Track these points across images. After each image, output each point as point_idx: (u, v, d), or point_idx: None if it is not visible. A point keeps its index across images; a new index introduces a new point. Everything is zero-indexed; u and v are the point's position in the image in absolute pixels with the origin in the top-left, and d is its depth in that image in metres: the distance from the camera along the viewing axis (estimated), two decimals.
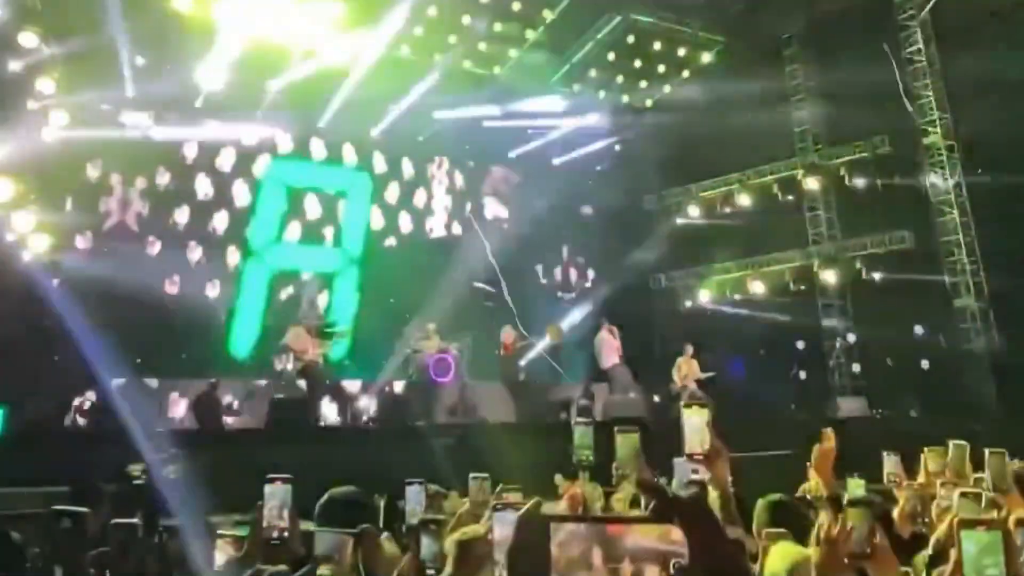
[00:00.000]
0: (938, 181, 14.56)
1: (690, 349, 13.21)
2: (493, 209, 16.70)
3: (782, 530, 2.57)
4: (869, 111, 14.26)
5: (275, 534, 2.07)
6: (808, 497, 4.05)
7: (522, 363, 13.99)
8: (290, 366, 10.40)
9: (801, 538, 2.56)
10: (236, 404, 11.47)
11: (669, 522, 0.62)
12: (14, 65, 10.45)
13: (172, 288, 12.61)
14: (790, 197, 16.11)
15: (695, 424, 2.37)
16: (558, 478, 6.23)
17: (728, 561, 0.61)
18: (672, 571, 0.61)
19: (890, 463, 4.18)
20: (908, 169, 14.50)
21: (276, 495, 2.12)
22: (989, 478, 3.02)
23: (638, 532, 0.62)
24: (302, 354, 10.19)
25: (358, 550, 1.93)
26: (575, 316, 15.86)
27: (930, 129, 14.66)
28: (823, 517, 2.93)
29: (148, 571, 2.18)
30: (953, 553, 1.66)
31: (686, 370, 12.98)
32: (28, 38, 10.23)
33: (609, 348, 12.61)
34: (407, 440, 8.51)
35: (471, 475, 3.98)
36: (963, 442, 3.44)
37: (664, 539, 0.61)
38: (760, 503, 3.10)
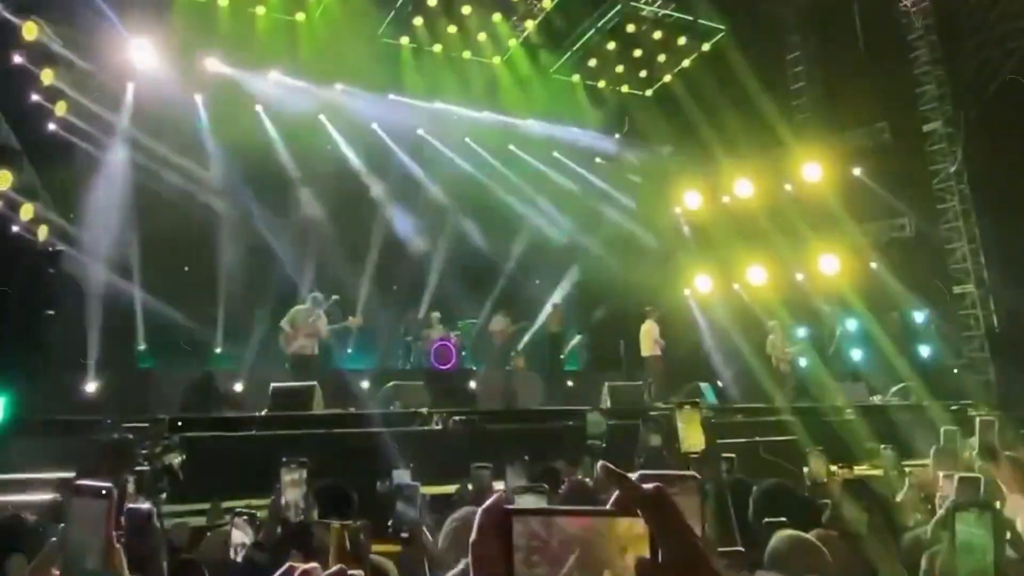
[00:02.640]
0: (939, 168, 14.54)
1: (776, 322, 13.31)
2: None
3: (782, 519, 2.61)
4: (871, 98, 14.20)
5: (293, 516, 2.11)
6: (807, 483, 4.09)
7: (519, 348, 14.04)
8: (288, 349, 10.31)
9: (798, 522, 2.60)
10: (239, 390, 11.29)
11: (632, 514, 0.60)
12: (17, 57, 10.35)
13: None
14: (789, 185, 16.06)
15: (690, 423, 2.41)
16: (560, 464, 6.28)
17: (691, 554, 0.59)
18: (634, 564, 0.59)
19: (888, 454, 4.23)
20: (909, 156, 14.46)
21: (293, 479, 2.15)
22: (976, 443, 2.99)
23: (600, 524, 0.60)
24: (290, 341, 10.16)
25: (359, 539, 1.95)
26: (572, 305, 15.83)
27: (931, 116, 14.63)
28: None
29: (159, 558, 2.20)
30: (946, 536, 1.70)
31: (780, 343, 13.08)
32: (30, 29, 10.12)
33: (650, 339, 12.65)
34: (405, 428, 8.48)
35: (473, 465, 4.02)
36: (953, 428, 3.48)
37: (628, 531, 0.59)
38: (756, 490, 3.14)
